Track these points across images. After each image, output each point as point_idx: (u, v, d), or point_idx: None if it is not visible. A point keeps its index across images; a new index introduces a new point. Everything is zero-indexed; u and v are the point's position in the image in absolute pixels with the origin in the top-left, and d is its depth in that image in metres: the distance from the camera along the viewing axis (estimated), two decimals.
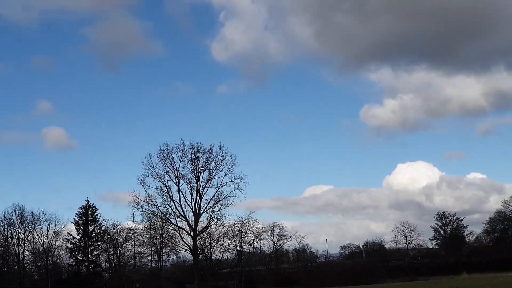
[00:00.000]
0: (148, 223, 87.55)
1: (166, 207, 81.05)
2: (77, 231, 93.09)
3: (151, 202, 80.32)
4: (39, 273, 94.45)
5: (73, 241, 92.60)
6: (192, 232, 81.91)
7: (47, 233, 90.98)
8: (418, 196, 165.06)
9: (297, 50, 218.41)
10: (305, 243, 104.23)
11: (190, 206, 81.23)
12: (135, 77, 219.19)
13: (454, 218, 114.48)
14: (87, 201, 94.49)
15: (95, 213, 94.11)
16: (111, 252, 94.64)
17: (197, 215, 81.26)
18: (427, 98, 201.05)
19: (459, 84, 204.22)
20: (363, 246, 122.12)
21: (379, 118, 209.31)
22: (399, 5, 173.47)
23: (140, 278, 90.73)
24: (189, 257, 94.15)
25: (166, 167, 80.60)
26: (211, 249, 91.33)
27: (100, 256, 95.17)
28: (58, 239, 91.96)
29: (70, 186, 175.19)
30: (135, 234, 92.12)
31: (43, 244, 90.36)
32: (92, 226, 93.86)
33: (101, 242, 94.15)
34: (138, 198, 79.77)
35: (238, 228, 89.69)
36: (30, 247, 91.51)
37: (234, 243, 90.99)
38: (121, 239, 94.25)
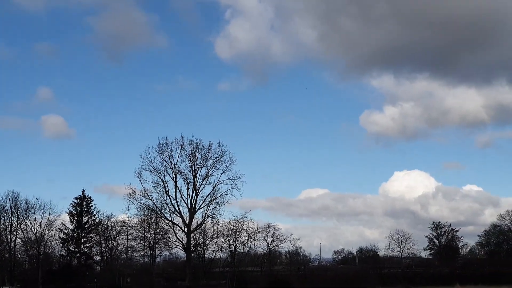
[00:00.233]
0: (142, 217, 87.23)
1: (161, 202, 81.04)
2: (71, 221, 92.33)
3: (147, 196, 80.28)
4: (30, 263, 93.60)
5: (66, 231, 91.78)
6: (186, 229, 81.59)
7: (41, 222, 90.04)
8: (413, 205, 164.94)
9: (300, 51, 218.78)
10: (298, 246, 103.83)
11: (186, 202, 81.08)
12: (137, 69, 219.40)
13: (450, 228, 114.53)
14: (83, 191, 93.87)
15: (90, 204, 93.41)
16: (104, 245, 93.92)
17: (192, 211, 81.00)
18: (428, 107, 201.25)
19: (460, 95, 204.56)
20: (356, 252, 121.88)
21: (378, 125, 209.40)
22: (405, 13, 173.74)
23: (132, 273, 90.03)
24: (181, 254, 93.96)
25: (164, 162, 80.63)
26: (205, 247, 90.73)
27: (93, 248, 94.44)
28: (51, 228, 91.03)
29: (66, 176, 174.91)
30: (129, 228, 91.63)
31: (36, 233, 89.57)
32: (86, 218, 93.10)
33: (94, 234, 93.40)
34: (134, 191, 79.82)
35: (232, 227, 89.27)
36: (23, 235, 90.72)
37: (228, 242, 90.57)
38: (114, 232, 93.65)
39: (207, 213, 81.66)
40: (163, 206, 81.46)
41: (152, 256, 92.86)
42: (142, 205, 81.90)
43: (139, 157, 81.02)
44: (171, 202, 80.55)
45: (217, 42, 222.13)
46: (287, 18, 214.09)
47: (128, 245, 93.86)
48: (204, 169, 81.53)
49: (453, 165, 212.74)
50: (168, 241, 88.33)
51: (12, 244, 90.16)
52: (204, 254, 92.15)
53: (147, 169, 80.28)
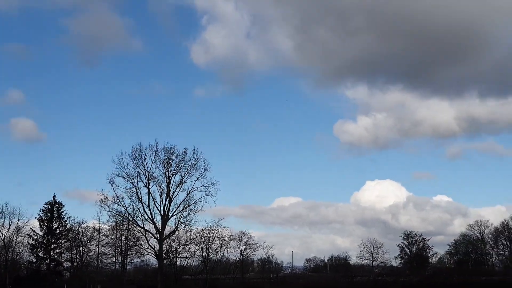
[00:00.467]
0: (114, 223, 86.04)
1: (134, 209, 79.76)
2: (41, 227, 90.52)
3: (119, 203, 79.02)
4: None
5: (35, 237, 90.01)
6: (158, 236, 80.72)
7: (9, 228, 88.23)
8: (384, 214, 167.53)
9: (277, 60, 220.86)
10: (271, 253, 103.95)
11: (159, 209, 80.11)
12: (111, 73, 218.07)
13: (421, 238, 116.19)
14: (54, 197, 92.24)
15: (61, 210, 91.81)
16: (74, 251, 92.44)
17: (165, 218, 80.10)
18: (400, 118, 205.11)
19: (433, 107, 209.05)
20: (328, 260, 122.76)
21: (351, 134, 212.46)
22: (381, 26, 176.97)
23: (102, 280, 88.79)
24: (153, 261, 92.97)
25: (137, 168, 79.43)
26: (177, 255, 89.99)
27: (63, 255, 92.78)
28: (20, 234, 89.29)
29: (36, 181, 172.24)
30: (100, 234, 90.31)
31: (4, 238, 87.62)
32: (57, 223, 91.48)
33: (64, 240, 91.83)
34: (106, 197, 78.37)
35: (206, 235, 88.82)
36: None
37: (200, 249, 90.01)
38: (85, 238, 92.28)
39: (180, 220, 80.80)
40: (136, 212, 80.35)
41: (123, 263, 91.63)
42: (114, 212, 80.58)
43: (112, 162, 79.92)
44: (144, 209, 79.52)
45: (193, 48, 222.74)
46: (264, 27, 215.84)
47: (99, 251, 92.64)
48: (178, 176, 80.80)
49: (424, 175, 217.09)
50: (140, 248, 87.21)
51: None
52: (176, 261, 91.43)
53: (119, 175, 79.02)
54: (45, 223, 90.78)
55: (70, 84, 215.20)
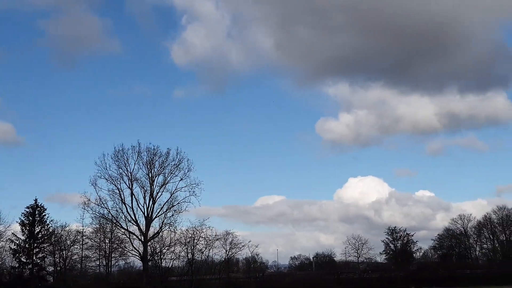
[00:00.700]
0: (97, 226, 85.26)
1: (117, 211, 79.17)
2: (22, 231, 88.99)
3: (102, 205, 78.35)
4: None
5: (17, 242, 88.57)
6: (142, 238, 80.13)
7: None
8: (367, 210, 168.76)
9: (257, 59, 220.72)
10: (256, 252, 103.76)
11: (142, 210, 79.61)
12: (90, 75, 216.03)
13: (405, 233, 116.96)
14: (35, 200, 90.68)
15: (43, 214, 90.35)
16: (57, 255, 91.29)
17: (149, 220, 79.57)
18: (381, 115, 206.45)
19: (413, 103, 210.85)
20: (313, 257, 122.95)
21: (333, 132, 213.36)
22: (360, 23, 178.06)
23: (87, 283, 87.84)
24: (138, 263, 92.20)
25: (120, 169, 78.93)
26: (162, 256, 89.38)
27: (46, 259, 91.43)
28: (1, 239, 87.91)
29: (16, 185, 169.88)
30: (84, 237, 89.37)
31: None
32: (39, 227, 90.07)
33: (47, 244, 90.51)
34: (89, 200, 77.72)
35: (190, 235, 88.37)
36: None
37: (185, 250, 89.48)
38: (68, 242, 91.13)
39: (164, 221, 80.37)
40: (119, 214, 79.69)
41: (107, 265, 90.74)
42: (97, 214, 79.92)
43: (94, 164, 79.18)
44: (127, 211, 78.91)
45: (173, 48, 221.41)
46: (244, 26, 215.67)
47: (83, 255, 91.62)
48: (161, 177, 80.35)
49: (405, 171, 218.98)
50: (124, 250, 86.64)
51: None
52: (161, 263, 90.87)
53: (102, 177, 78.45)
54: (27, 227, 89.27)
55: (49, 87, 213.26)
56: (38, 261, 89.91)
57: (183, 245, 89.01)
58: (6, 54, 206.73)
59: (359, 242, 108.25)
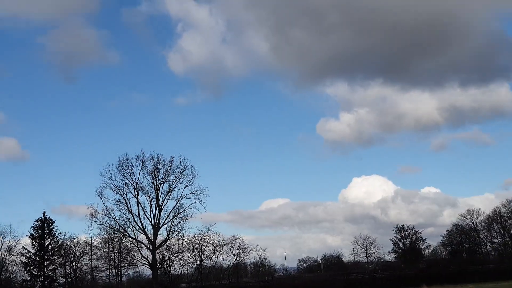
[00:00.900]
0: (105, 236, 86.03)
1: (124, 220, 79.91)
2: (33, 244, 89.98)
3: (109, 215, 79.06)
4: None
5: (28, 255, 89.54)
6: (151, 246, 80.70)
7: (1, 247, 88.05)
8: (373, 209, 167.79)
9: (254, 63, 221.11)
10: (264, 256, 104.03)
11: (149, 219, 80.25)
12: (91, 87, 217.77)
13: (413, 231, 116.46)
14: (44, 213, 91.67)
15: (52, 226, 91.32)
16: (68, 267, 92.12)
17: (156, 228, 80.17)
18: (382, 112, 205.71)
19: (414, 99, 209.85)
20: (321, 259, 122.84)
21: (335, 132, 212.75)
22: (355, 21, 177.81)
23: None
24: (147, 271, 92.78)
25: (125, 179, 79.66)
26: (170, 263, 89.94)
27: (56, 271, 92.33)
28: (12, 253, 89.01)
29: (23, 199, 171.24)
30: (93, 248, 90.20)
31: None
32: (49, 240, 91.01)
33: (57, 256, 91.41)
34: (96, 210, 78.49)
35: (198, 241, 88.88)
36: None
37: (194, 256, 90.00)
38: (78, 253, 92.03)
39: (172, 228, 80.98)
40: (126, 224, 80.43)
41: (117, 275, 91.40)
42: (105, 224, 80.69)
43: (99, 175, 79.92)
44: (134, 220, 79.61)
45: (170, 56, 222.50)
46: (239, 31, 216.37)
47: (92, 265, 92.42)
48: (166, 184, 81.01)
49: (410, 168, 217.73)
50: (133, 259, 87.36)
51: None
52: (170, 270, 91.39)
53: (108, 187, 79.24)
54: (37, 240, 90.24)
55: (51, 100, 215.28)
56: (49, 273, 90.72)
57: (191, 252, 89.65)
58: (8, 70, 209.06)
59: (368, 242, 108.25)
